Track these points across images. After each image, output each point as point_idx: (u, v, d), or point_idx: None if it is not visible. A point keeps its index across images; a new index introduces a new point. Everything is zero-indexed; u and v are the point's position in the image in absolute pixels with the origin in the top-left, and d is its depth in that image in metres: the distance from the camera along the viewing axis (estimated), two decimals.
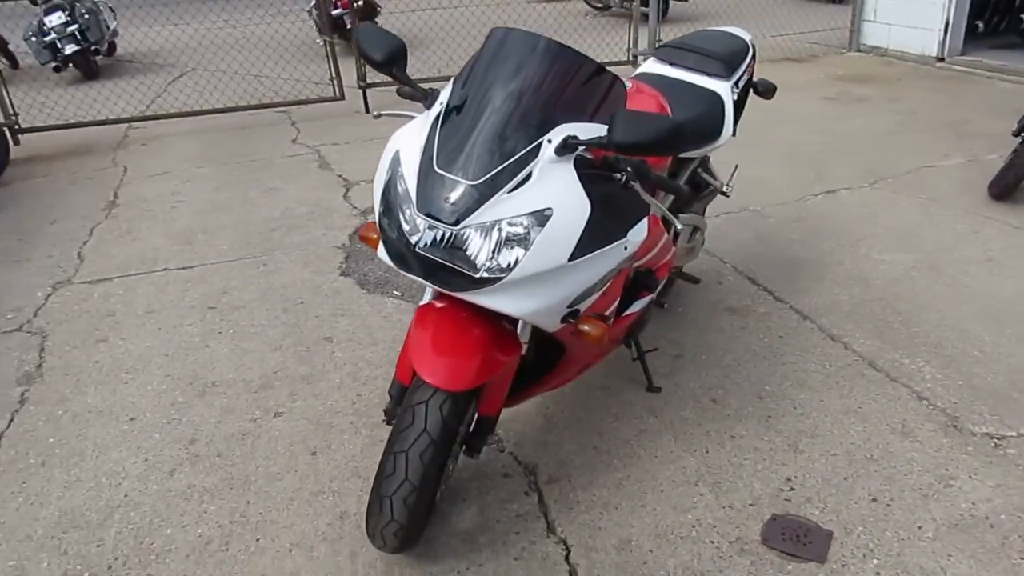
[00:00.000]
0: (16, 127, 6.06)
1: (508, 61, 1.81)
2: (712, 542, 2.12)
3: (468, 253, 1.70)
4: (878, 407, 2.62)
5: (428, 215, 1.72)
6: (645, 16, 7.50)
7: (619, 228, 1.92)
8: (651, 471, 2.38)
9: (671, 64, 2.88)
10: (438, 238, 1.71)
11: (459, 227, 1.70)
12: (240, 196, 4.89)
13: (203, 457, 2.53)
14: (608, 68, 1.89)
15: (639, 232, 2.00)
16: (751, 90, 3.05)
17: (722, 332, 3.11)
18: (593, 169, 1.82)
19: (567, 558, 2.08)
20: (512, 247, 1.70)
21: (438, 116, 1.83)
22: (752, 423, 2.57)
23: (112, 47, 9.66)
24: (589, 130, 1.78)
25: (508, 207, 1.70)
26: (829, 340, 3.02)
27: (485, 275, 1.71)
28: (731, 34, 3.03)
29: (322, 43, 7.54)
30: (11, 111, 6.01)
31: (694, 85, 2.81)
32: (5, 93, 5.99)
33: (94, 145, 6.18)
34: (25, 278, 3.90)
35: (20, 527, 2.27)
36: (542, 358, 2.20)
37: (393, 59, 1.95)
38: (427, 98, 1.95)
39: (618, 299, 2.12)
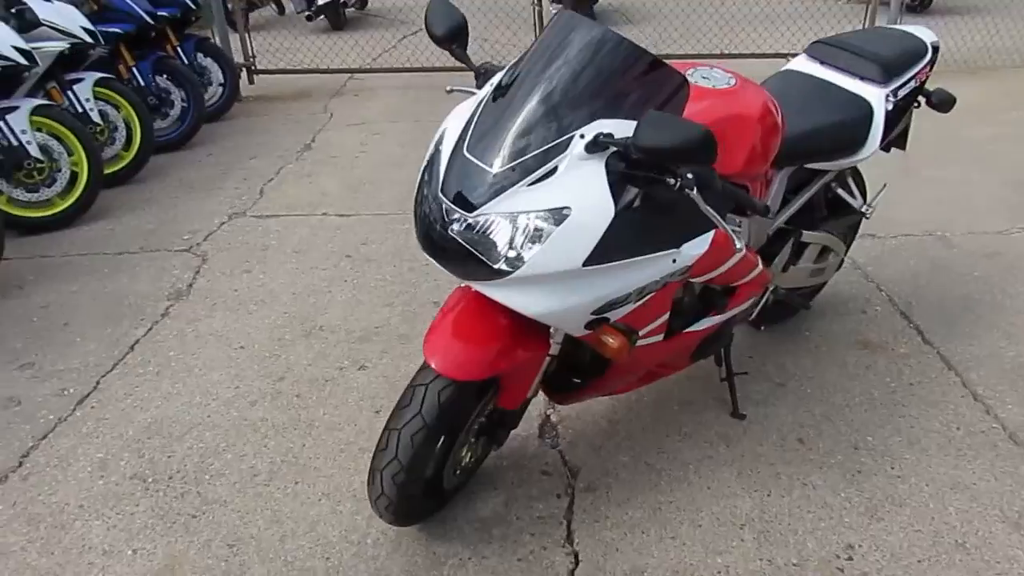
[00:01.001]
0: (252, 68, 6.73)
1: (559, 48, 1.70)
2: None
3: (481, 243, 1.64)
4: (997, 487, 2.22)
5: (448, 199, 1.68)
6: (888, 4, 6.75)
7: (666, 238, 1.77)
8: (697, 502, 2.20)
9: (821, 62, 2.57)
10: (454, 224, 1.67)
11: (474, 215, 1.64)
12: (418, 154, 5.08)
13: (284, 395, 2.70)
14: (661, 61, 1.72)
15: (697, 246, 1.82)
16: (923, 101, 2.66)
17: (843, 367, 2.78)
18: (641, 171, 1.68)
19: (572, 572, 1.99)
20: (524, 242, 1.62)
21: (484, 98, 1.77)
22: (834, 475, 2.29)
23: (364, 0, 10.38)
24: (628, 128, 1.64)
25: (526, 200, 1.62)
26: (970, 399, 2.60)
27: (494, 268, 1.64)
28: (909, 34, 2.64)
29: (554, 10, 7.52)
30: (250, 53, 6.68)
31: (840, 88, 2.49)
32: (247, 37, 6.66)
33: (315, 91, 6.71)
34: (211, 205, 4.35)
35: (118, 425, 2.57)
36: (595, 361, 2.09)
37: (454, 35, 1.91)
38: (479, 78, 1.89)
39: (666, 314, 1.96)
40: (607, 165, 1.62)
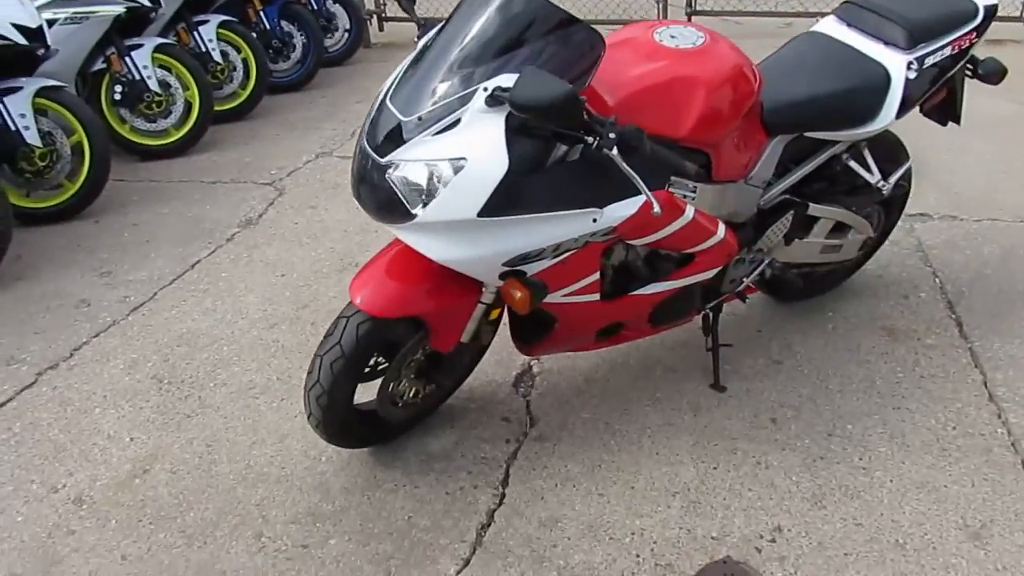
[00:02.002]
0: (383, 15, 7.01)
1: (481, 3, 1.74)
2: (638, 556, 1.95)
3: (387, 188, 1.74)
4: (969, 493, 2.07)
5: (369, 146, 1.78)
6: None
7: (587, 196, 1.78)
8: (639, 465, 2.21)
9: (848, 24, 2.40)
10: (369, 169, 1.77)
11: (383, 160, 1.73)
12: None
13: (302, 321, 2.94)
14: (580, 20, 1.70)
15: (624, 207, 1.82)
16: (970, 71, 2.42)
17: (854, 352, 2.63)
18: (537, 126, 1.70)
19: (491, 512, 2.08)
20: (425, 190, 1.69)
21: (416, 51, 1.84)
22: (794, 458, 2.21)
23: None
24: (543, 82, 1.64)
25: (429, 149, 1.69)
26: (983, 399, 2.40)
27: (399, 212, 1.73)
28: None
29: None
30: (381, 1, 6.95)
31: (859, 53, 2.32)
32: None
33: None
34: (305, 144, 4.67)
35: (157, 332, 2.91)
36: (543, 314, 2.14)
37: None
38: (420, 30, 1.96)
39: (593, 274, 1.96)
40: (510, 119, 1.66)
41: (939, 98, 2.49)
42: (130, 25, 4.39)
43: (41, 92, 3.70)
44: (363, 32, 6.34)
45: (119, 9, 4.18)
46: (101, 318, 3.01)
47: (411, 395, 2.20)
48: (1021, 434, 2.26)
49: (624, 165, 1.72)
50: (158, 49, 4.42)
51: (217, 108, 4.97)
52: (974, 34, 2.36)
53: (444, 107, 1.68)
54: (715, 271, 2.19)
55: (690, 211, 1.97)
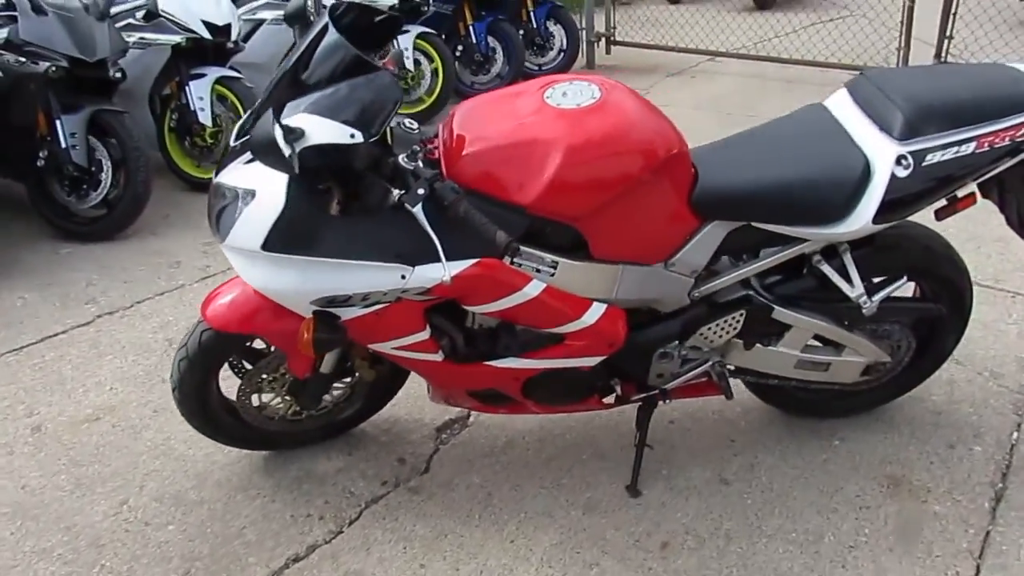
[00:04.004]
0: (612, 38, 6.98)
1: (313, 37, 1.71)
2: None
3: (211, 208, 1.80)
4: None
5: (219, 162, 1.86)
6: None
7: (393, 251, 1.69)
8: (482, 550, 2.03)
9: (855, 102, 1.95)
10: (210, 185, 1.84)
11: (214, 180, 1.80)
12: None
13: None
14: (380, 67, 1.60)
15: (439, 270, 1.69)
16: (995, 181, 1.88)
17: (828, 495, 2.15)
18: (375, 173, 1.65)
19: (312, 548, 2.05)
20: (231, 215, 1.73)
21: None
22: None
23: None
24: (323, 125, 1.59)
25: (236, 176, 1.72)
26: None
27: (215, 232, 1.79)
28: (1009, 73, 1.86)
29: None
30: (612, 24, 6.93)
31: (847, 138, 1.89)
32: (613, 7, 6.91)
33: (662, 68, 6.71)
34: None
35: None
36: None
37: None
38: None
39: (420, 333, 1.83)
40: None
41: (966, 204, 1.95)
42: None
43: (220, 81, 4.26)
44: (577, 53, 6.36)
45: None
46: (176, 280, 3.43)
47: (288, 412, 2.23)
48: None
49: (425, 224, 1.62)
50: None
51: (402, 111, 5.34)
52: (1023, 129, 1.81)
53: None
54: (596, 359, 1.93)
55: (534, 287, 1.77)
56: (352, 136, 1.56)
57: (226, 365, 2.12)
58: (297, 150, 1.52)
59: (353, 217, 1.70)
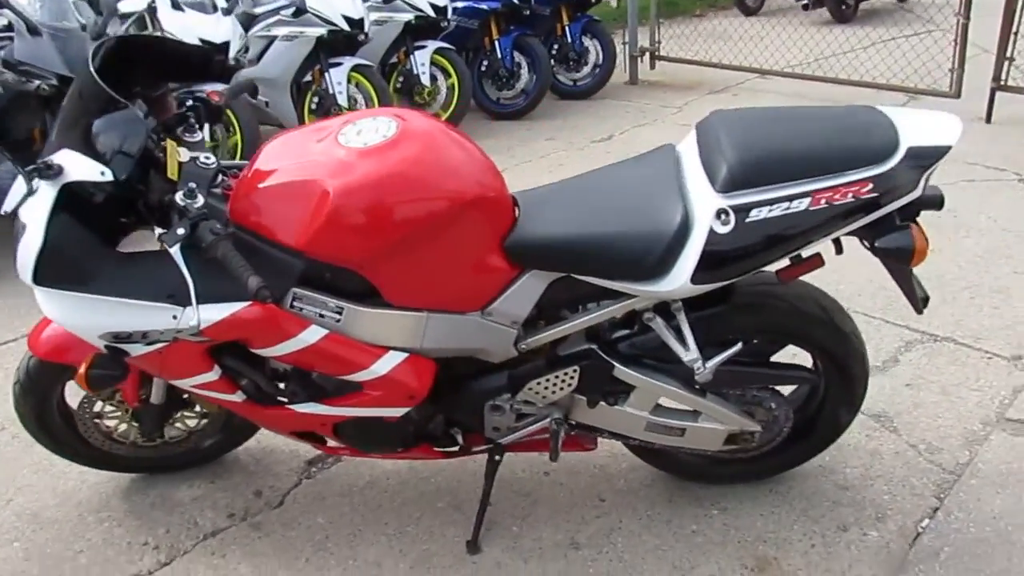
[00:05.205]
0: (656, 53, 6.75)
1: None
2: None
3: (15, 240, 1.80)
4: None
5: None
6: None
7: (164, 291, 1.64)
8: None
9: (698, 146, 1.76)
10: None
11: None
12: None
13: None
14: (134, 105, 1.55)
15: (210, 311, 1.64)
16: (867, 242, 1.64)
17: (679, 571, 1.96)
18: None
19: None
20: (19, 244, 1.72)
21: None
22: None
23: None
24: (76, 164, 1.56)
25: (24, 207, 1.71)
26: None
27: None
28: (875, 124, 1.62)
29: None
30: (656, 39, 6.70)
31: (675, 187, 1.70)
32: (657, 23, 6.69)
33: (706, 85, 6.45)
34: None
35: None
36: None
37: None
38: None
39: (208, 374, 1.77)
40: (62, 195, 1.60)
41: (810, 267, 1.71)
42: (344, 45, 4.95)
43: (355, 68, 4.83)
44: (612, 69, 6.18)
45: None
46: None
47: (138, 438, 2.21)
48: None
49: (181, 265, 1.57)
50: (354, 69, 4.90)
51: None
52: (869, 185, 1.57)
53: (30, 173, 1.68)
54: (399, 410, 1.82)
55: (312, 334, 1.68)
56: (103, 173, 1.53)
57: None
58: (56, 187, 1.52)
59: (131, 253, 1.67)
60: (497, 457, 2.02)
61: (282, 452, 2.43)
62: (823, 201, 1.57)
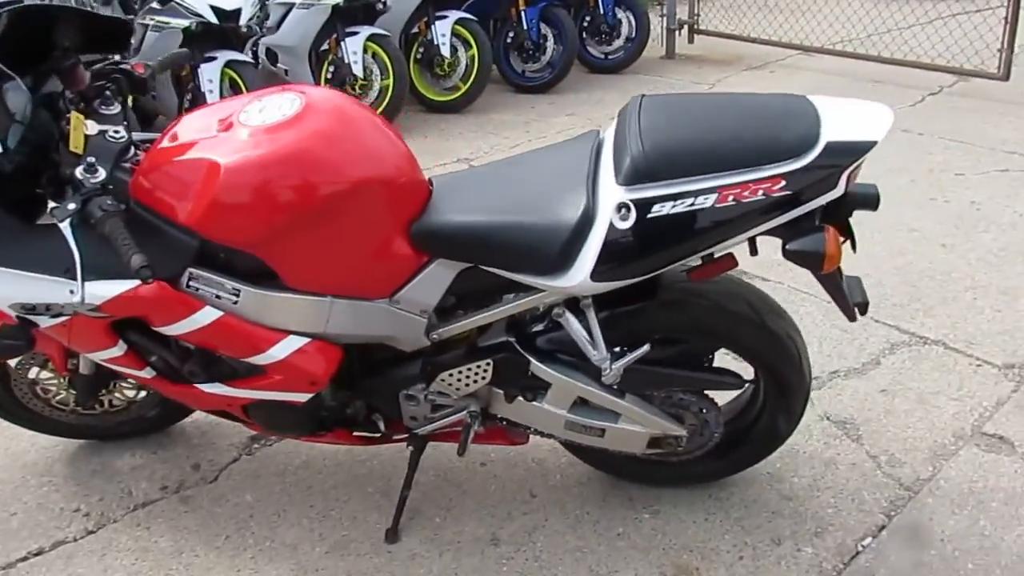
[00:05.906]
0: (695, 26, 6.50)
1: None
2: None
3: None
4: None
5: None
6: None
7: (62, 265, 1.63)
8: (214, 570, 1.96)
9: (615, 133, 1.65)
10: None
11: None
12: None
13: None
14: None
15: (103, 287, 1.63)
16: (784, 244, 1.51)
17: (596, 570, 1.89)
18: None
19: (37, 552, 2.03)
20: None
21: None
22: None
23: None
24: None
25: None
26: None
27: None
28: (795, 109, 1.49)
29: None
30: (695, 11, 6.45)
31: (586, 177, 1.60)
32: None
33: (744, 59, 6.21)
34: (474, 146, 4.72)
35: None
36: None
37: None
38: None
39: (111, 349, 1.76)
40: None
41: (722, 267, 1.59)
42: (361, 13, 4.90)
43: (371, 38, 4.81)
44: (646, 42, 5.97)
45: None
46: None
47: (72, 403, 2.23)
48: None
49: (70, 239, 1.55)
50: (370, 38, 4.84)
51: (436, 99, 5.30)
52: (782, 182, 1.44)
53: None
54: (302, 395, 1.78)
55: (206, 315, 1.65)
56: None
57: None
58: None
59: (37, 226, 1.66)
60: (412, 447, 1.97)
61: (229, 426, 2.40)
62: (731, 198, 1.46)
